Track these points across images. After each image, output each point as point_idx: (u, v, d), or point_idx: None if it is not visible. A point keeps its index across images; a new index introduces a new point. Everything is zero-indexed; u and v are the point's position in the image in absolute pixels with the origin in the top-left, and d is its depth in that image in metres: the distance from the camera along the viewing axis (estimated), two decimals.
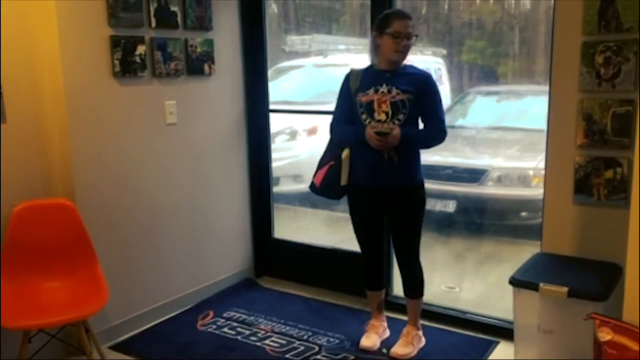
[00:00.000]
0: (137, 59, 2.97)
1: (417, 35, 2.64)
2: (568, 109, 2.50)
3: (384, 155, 2.62)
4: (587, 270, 2.40)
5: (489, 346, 2.91)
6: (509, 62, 5.55)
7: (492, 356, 2.83)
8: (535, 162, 4.15)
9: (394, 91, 2.61)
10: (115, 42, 2.86)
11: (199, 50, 3.29)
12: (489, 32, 5.56)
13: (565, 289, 2.23)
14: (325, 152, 2.87)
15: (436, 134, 2.68)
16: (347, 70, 2.81)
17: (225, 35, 3.49)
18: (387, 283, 3.28)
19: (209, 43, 3.35)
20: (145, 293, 3.21)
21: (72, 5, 2.68)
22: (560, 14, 2.47)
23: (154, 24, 3.03)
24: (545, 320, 2.34)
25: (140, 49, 2.98)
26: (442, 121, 2.69)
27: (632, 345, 1.75)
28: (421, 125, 2.72)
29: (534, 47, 5.16)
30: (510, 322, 2.52)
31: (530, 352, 2.43)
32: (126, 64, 2.92)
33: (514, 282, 2.38)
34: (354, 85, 2.71)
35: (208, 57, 3.36)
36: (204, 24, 3.30)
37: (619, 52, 2.35)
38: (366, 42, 3.11)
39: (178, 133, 3.28)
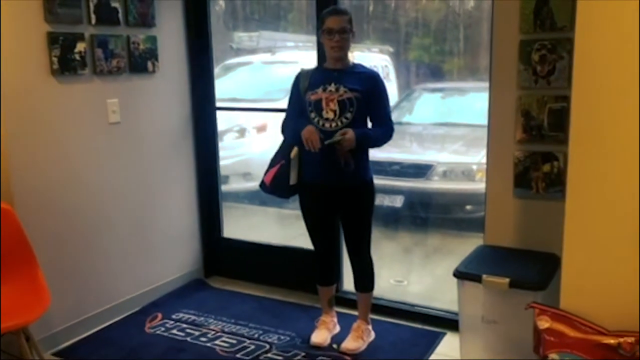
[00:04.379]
0: (77, 57, 2.88)
1: (353, 30, 2.66)
2: (507, 106, 2.57)
3: (335, 155, 2.62)
4: (528, 261, 2.48)
5: (437, 337, 2.98)
6: (454, 60, 5.67)
7: (439, 347, 2.90)
8: (478, 157, 4.26)
9: (342, 90, 2.63)
10: (53, 39, 2.76)
11: (142, 47, 3.22)
12: (434, 30, 5.66)
13: (506, 280, 2.30)
14: (278, 151, 2.87)
15: (385, 132, 2.73)
16: (296, 68, 2.83)
17: (170, 32, 3.43)
18: (337, 278, 3.30)
19: (152, 40, 3.28)
20: (90, 297, 3.12)
21: (5, 1, 2.57)
22: (498, 13, 2.54)
23: (94, 21, 2.95)
24: (488, 311, 2.40)
25: (80, 46, 2.88)
26: (390, 119, 2.75)
27: (569, 331, 1.82)
28: (369, 124, 2.75)
29: (477, 44, 5.27)
30: (457, 314, 2.59)
31: (475, 342, 2.50)
32: (65, 62, 2.83)
33: (457, 274, 2.44)
34: (304, 85, 2.72)
35: (151, 54, 3.28)
36: (146, 20, 3.23)
37: (553, 50, 2.43)
38: (314, 39, 3.12)
39: (121, 132, 3.20)
